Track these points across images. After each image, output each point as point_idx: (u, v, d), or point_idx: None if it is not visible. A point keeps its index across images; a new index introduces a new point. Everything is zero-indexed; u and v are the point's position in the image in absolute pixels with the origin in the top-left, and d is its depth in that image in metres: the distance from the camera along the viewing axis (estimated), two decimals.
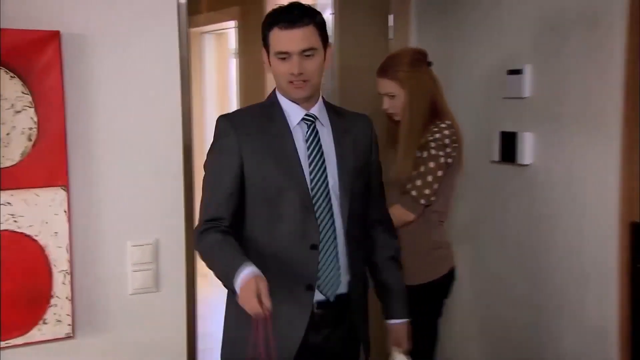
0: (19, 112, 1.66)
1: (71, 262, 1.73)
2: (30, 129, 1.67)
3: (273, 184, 1.74)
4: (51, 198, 1.70)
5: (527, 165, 2.69)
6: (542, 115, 2.61)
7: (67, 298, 1.73)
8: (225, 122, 1.76)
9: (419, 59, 2.37)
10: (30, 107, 1.67)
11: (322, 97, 1.88)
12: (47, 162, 1.69)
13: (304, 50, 1.71)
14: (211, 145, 1.78)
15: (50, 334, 1.71)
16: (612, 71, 2.34)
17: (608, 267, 2.30)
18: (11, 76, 1.64)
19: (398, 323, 1.90)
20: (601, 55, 2.39)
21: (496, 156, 2.82)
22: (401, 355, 1.85)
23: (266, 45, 1.75)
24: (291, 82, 1.73)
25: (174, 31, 1.86)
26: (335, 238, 1.78)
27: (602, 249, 2.35)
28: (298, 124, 1.79)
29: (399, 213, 2.25)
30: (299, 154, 1.77)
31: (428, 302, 2.28)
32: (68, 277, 1.72)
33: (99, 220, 1.78)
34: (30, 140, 1.67)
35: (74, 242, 1.74)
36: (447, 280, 2.36)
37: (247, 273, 1.58)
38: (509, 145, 2.77)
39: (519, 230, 2.77)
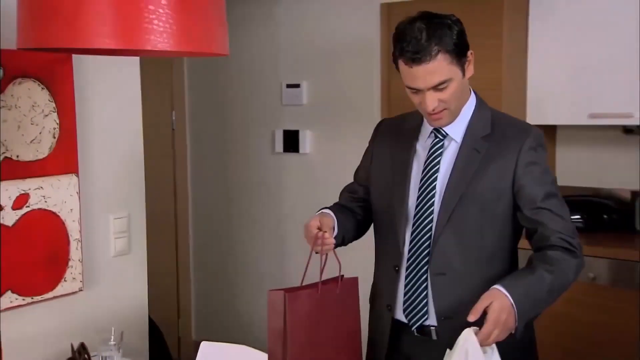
0: (47, 115, 2.12)
1: (81, 232, 2.23)
2: (54, 129, 2.14)
3: (378, 194, 1.80)
4: (67, 182, 2.18)
5: (307, 153, 3.76)
6: (318, 117, 3.72)
7: (79, 260, 2.22)
8: (378, 125, 1.91)
9: None
10: (54, 111, 2.14)
11: (478, 102, 1.75)
12: (65, 155, 2.17)
13: (436, 85, 1.61)
14: None
15: (69, 289, 2.19)
16: (372, 83, 3.53)
17: None
18: (42, 87, 2.10)
19: (490, 289, 1.55)
20: (364, 72, 3.58)
21: (280, 148, 3.86)
22: (470, 332, 1.48)
23: (397, 68, 1.67)
24: (429, 114, 1.66)
25: (136, 66, 2.42)
26: (426, 266, 1.69)
27: None
28: (429, 136, 1.74)
29: None
30: (416, 172, 1.72)
31: None
32: (79, 244, 2.22)
33: (93, 199, 2.30)
34: (54, 137, 2.14)
35: (82, 217, 2.24)
36: None
37: (321, 214, 1.73)
38: (291, 140, 3.81)
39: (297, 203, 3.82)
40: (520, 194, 1.67)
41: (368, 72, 3.53)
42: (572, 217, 3.14)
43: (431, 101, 1.63)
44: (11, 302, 2.03)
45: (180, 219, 4.25)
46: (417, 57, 1.59)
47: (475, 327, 1.47)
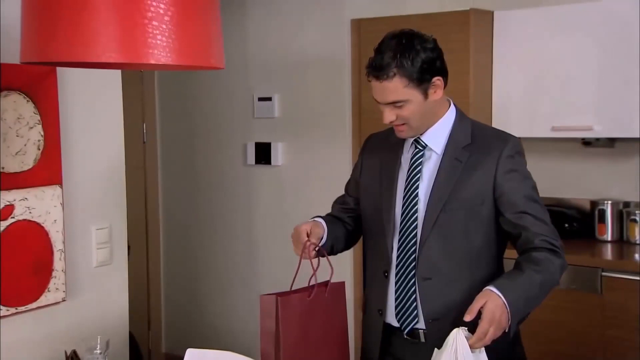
0: (32, 127, 2.15)
1: (64, 242, 2.25)
2: (39, 140, 2.17)
3: (368, 203, 1.87)
4: (52, 193, 2.20)
5: (279, 165, 3.82)
6: (290, 130, 3.80)
7: (62, 270, 2.24)
8: (367, 139, 1.99)
9: None
10: (39, 124, 2.17)
11: (457, 115, 1.81)
12: (49, 166, 2.20)
13: (391, 103, 1.70)
14: None
15: (52, 299, 2.21)
16: (344, 96, 3.64)
17: None
18: (27, 100, 2.13)
19: (483, 291, 1.62)
20: (335, 85, 3.67)
21: (252, 160, 3.92)
22: (459, 332, 1.53)
23: None
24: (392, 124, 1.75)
25: (118, 79, 2.46)
26: (414, 271, 1.75)
27: None
28: (410, 147, 1.82)
29: None
30: (402, 182, 1.79)
31: None
32: (62, 255, 2.24)
33: (76, 210, 2.32)
34: (39, 149, 2.17)
35: (65, 227, 2.26)
36: None
37: (310, 220, 1.81)
38: (263, 152, 3.88)
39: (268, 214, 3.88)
40: (502, 200, 1.75)
41: (339, 86, 3.62)
42: None
43: (387, 115, 1.73)
44: None
45: (151, 230, 4.27)
46: (375, 73, 1.70)
47: (464, 327, 1.54)
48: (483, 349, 1.54)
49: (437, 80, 1.75)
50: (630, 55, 3.02)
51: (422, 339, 1.79)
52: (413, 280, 1.77)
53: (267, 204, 3.89)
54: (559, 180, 3.49)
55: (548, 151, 3.51)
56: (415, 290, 1.77)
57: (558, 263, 1.72)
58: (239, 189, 3.99)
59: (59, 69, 2.21)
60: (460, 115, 1.85)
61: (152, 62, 1.37)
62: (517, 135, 3.32)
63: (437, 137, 1.80)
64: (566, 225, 3.35)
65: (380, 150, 1.91)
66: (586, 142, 3.40)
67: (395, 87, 1.69)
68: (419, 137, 1.81)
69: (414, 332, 1.80)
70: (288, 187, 3.82)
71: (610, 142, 3.34)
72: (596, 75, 3.11)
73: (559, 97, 3.19)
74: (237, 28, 3.91)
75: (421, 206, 1.77)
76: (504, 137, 1.82)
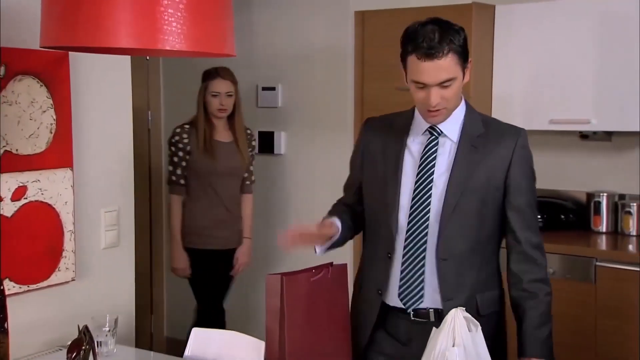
0: (45, 111, 2.21)
1: (74, 224, 2.31)
2: (51, 124, 2.23)
3: (375, 187, 1.90)
4: (63, 176, 2.27)
5: (282, 154, 3.89)
6: (293, 119, 3.85)
7: (72, 251, 2.31)
8: (364, 122, 2.02)
9: None
10: (51, 108, 2.23)
11: (467, 106, 1.89)
12: (61, 149, 2.26)
13: (442, 82, 1.72)
14: None
15: (62, 279, 2.28)
16: (346, 87, 3.70)
17: None
18: (40, 85, 2.19)
19: None
20: (338, 76, 3.73)
21: (256, 149, 3.98)
22: (457, 311, 1.60)
23: (404, 66, 1.78)
24: (428, 110, 1.77)
25: (127, 65, 2.52)
26: (424, 253, 1.81)
27: None
28: (423, 134, 1.86)
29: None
30: (409, 166, 1.83)
31: None
32: (72, 236, 2.31)
33: (86, 192, 2.39)
34: (51, 132, 2.23)
35: (75, 209, 2.32)
36: None
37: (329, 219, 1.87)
38: (267, 141, 3.94)
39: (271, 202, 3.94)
40: (509, 189, 1.85)
41: (342, 77, 3.68)
42: None
43: (435, 97, 1.75)
44: (9, 289, 2.11)
45: (155, 217, 4.33)
46: (430, 52, 1.72)
47: (462, 307, 1.62)
48: (479, 327, 1.61)
49: (470, 62, 1.82)
50: (629, 49, 3.08)
51: (432, 318, 1.85)
52: (423, 261, 1.83)
53: (269, 192, 3.95)
54: (556, 173, 3.55)
55: (546, 144, 3.57)
56: (424, 271, 1.83)
57: (546, 292, 1.91)
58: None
59: (70, 55, 2.27)
60: (469, 107, 1.92)
61: (167, 48, 1.43)
62: None
63: (452, 125, 1.86)
64: (562, 216, 3.42)
65: (383, 132, 1.94)
66: (583, 136, 3.46)
67: (449, 65, 1.73)
68: (434, 125, 1.86)
69: (419, 312, 1.86)
70: (291, 176, 3.89)
71: (607, 135, 3.41)
72: (595, 69, 3.17)
73: (558, 90, 3.26)
74: (241, 18, 3.96)
75: (437, 191, 1.82)
76: (516, 128, 1.90)
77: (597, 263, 3.00)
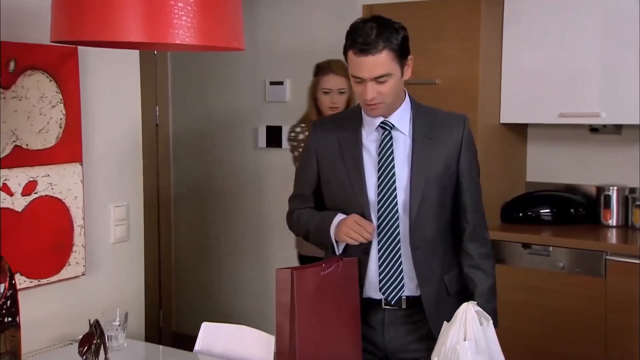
0: (54, 106, 2.21)
1: (84, 219, 2.32)
2: (61, 119, 2.24)
3: (339, 189, 1.92)
4: (72, 171, 2.27)
5: (289, 148, 3.88)
6: (300, 114, 3.83)
7: (82, 246, 2.31)
8: (312, 125, 2.05)
9: None
10: (61, 102, 2.23)
11: (412, 100, 1.96)
12: (71, 144, 2.26)
13: (377, 77, 1.79)
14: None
15: (73, 273, 2.28)
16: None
17: None
18: (49, 80, 2.20)
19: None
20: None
21: (263, 143, 3.99)
22: (468, 306, 1.62)
23: (346, 60, 1.86)
24: (366, 103, 1.84)
25: (136, 60, 2.51)
26: (398, 245, 1.87)
27: None
28: (376, 130, 1.91)
29: None
30: (369, 163, 1.89)
31: None
32: (82, 230, 2.31)
33: (95, 187, 2.39)
34: (61, 127, 2.24)
35: (85, 204, 2.33)
36: None
37: (342, 217, 1.85)
38: (274, 135, 3.94)
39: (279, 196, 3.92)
40: (461, 172, 1.95)
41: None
42: (542, 211, 3.39)
43: (371, 91, 1.82)
44: (20, 284, 2.11)
45: (163, 212, 4.34)
46: (365, 48, 1.79)
47: (473, 302, 1.63)
48: (491, 322, 1.61)
49: (410, 59, 1.88)
50: (638, 43, 3.05)
51: (404, 306, 1.93)
52: (399, 252, 1.90)
53: (277, 186, 3.95)
54: (566, 166, 3.53)
55: (555, 137, 3.55)
56: (401, 261, 1.90)
57: (493, 266, 2.00)
58: (250, 171, 4.06)
59: (79, 50, 2.27)
60: (415, 101, 1.99)
61: (177, 42, 1.43)
62: (524, 121, 3.45)
63: (402, 119, 1.93)
64: (572, 210, 3.41)
65: (335, 134, 1.98)
66: (593, 129, 3.44)
67: (383, 61, 1.79)
68: (386, 120, 1.91)
69: (399, 301, 1.93)
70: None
71: (617, 128, 3.39)
72: (603, 62, 3.15)
73: (567, 83, 3.23)
74: (249, 12, 3.94)
75: (401, 184, 1.89)
76: (460, 115, 2.00)
77: (608, 257, 2.99)
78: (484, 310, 1.67)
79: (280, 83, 3.88)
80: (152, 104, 4.24)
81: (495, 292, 1.99)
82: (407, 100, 1.95)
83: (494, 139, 3.36)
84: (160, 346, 2.45)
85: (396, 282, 1.90)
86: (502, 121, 3.39)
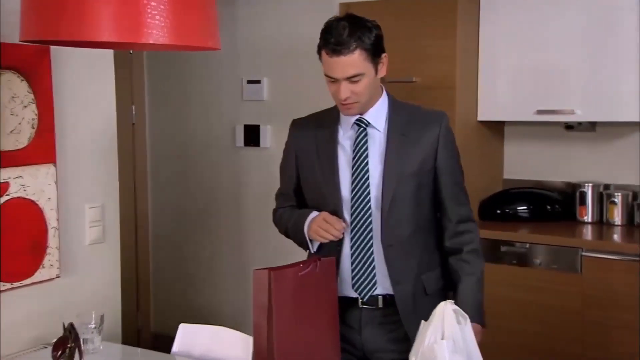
0: (26, 106, 2.17)
1: (58, 220, 2.28)
2: (33, 119, 2.20)
3: (315, 187, 1.95)
4: (46, 172, 2.24)
5: (268, 148, 3.87)
6: (278, 113, 3.84)
7: (56, 248, 2.28)
8: (291, 124, 2.07)
9: None
10: (33, 102, 2.19)
11: (390, 97, 1.95)
12: (43, 145, 2.23)
13: (350, 77, 1.79)
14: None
15: (46, 276, 2.25)
16: None
17: None
18: (21, 79, 2.16)
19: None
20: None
21: (241, 142, 3.97)
22: (446, 304, 1.58)
23: (320, 60, 1.86)
24: (340, 103, 1.84)
25: (110, 59, 2.48)
26: (371, 242, 1.87)
27: None
28: (351, 128, 1.91)
29: None
30: (343, 160, 1.89)
31: None
32: (56, 232, 2.28)
33: (70, 188, 2.36)
34: (33, 128, 2.20)
35: (59, 205, 2.29)
36: None
37: (314, 215, 1.87)
38: (252, 134, 3.92)
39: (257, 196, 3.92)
40: (439, 170, 1.94)
41: None
42: (519, 207, 3.41)
43: (345, 91, 1.82)
44: None
45: (140, 211, 4.30)
46: (337, 48, 1.79)
47: (451, 300, 1.61)
48: (469, 322, 1.61)
49: (385, 57, 1.88)
50: (615, 40, 3.08)
51: (380, 305, 1.93)
52: (371, 250, 1.89)
53: (255, 185, 3.93)
54: (542, 163, 3.56)
55: (532, 135, 3.58)
56: (374, 259, 1.90)
57: (481, 263, 1.98)
58: (228, 170, 4.03)
59: (52, 49, 2.24)
60: (392, 98, 1.98)
61: (151, 41, 1.41)
62: (502, 118, 3.46)
63: (378, 116, 1.92)
64: (548, 207, 3.43)
65: (312, 133, 1.99)
66: (568, 126, 3.47)
67: (356, 61, 1.79)
68: (361, 117, 1.91)
69: (370, 300, 1.93)
70: (276, 169, 3.85)
71: (592, 126, 3.42)
72: (580, 59, 3.17)
73: (544, 81, 3.26)
74: (226, 11, 3.92)
75: (375, 181, 1.89)
76: (440, 113, 1.99)
77: (583, 253, 3.02)
78: (469, 305, 1.67)
79: (258, 82, 3.86)
80: (128, 104, 4.19)
81: (481, 286, 1.98)
82: (384, 97, 1.95)
83: (471, 137, 3.37)
84: (138, 349, 2.42)
85: (368, 279, 1.90)
86: (479, 119, 3.41)
